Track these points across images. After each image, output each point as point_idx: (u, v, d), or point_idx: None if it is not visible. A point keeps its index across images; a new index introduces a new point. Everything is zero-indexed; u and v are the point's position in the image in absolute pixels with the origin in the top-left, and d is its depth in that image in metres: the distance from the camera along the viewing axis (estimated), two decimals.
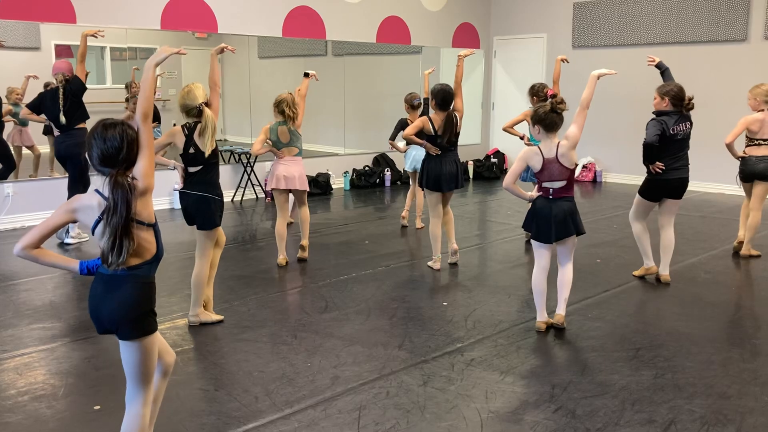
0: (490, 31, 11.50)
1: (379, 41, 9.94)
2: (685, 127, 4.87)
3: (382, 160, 10.17)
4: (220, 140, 9.78)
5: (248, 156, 8.56)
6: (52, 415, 3.05)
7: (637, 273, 5.21)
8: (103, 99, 8.53)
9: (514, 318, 4.31)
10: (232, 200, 8.56)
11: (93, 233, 2.27)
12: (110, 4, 7.33)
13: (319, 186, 9.13)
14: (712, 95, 9.29)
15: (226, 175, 8.66)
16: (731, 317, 4.43)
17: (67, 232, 6.24)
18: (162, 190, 7.99)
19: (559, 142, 4.01)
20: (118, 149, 2.21)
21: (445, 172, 5.18)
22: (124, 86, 8.46)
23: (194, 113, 3.86)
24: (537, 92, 6.09)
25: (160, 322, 4.22)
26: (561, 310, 4.10)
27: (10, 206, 6.90)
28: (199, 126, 3.88)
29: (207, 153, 3.88)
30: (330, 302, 4.59)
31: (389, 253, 5.92)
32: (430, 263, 5.44)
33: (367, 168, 9.98)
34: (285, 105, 5.45)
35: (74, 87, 6.00)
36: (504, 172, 11.21)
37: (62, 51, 8.16)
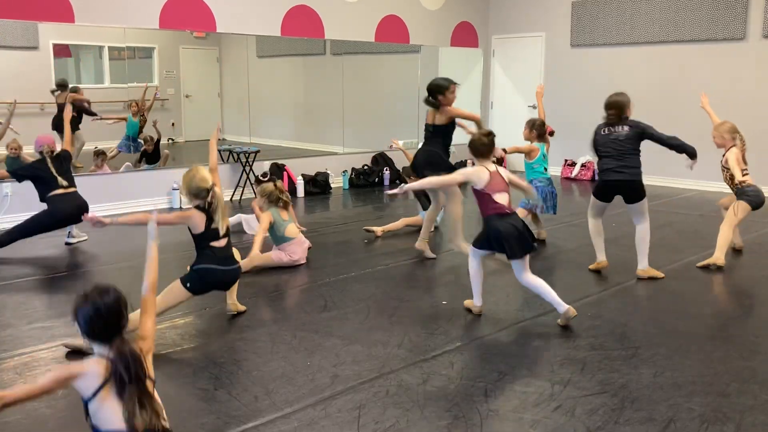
0: (489, 30, 11.50)
1: (378, 40, 9.93)
2: (621, 130, 5.12)
3: (381, 159, 10.17)
4: (219, 140, 9.80)
5: (247, 155, 8.55)
6: (52, 414, 3.05)
7: (592, 267, 5.28)
8: (101, 98, 8.52)
9: (513, 317, 4.31)
10: (231, 199, 8.56)
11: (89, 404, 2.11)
12: (108, 3, 7.31)
13: (318, 185, 9.13)
14: (709, 94, 9.25)
15: (225, 174, 8.66)
16: (730, 315, 4.43)
17: (70, 233, 6.19)
18: (160, 190, 7.98)
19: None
20: (119, 316, 2.12)
21: None
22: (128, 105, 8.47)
23: (204, 195, 3.90)
24: (537, 128, 6.04)
25: (160, 322, 4.22)
26: (563, 306, 4.07)
27: (8, 206, 6.89)
28: (212, 207, 3.93)
29: (222, 231, 3.94)
30: (329, 301, 4.59)
31: (388, 253, 5.92)
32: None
33: (366, 167, 9.98)
34: (278, 192, 5.55)
35: (63, 155, 5.95)
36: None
37: (60, 50, 8.16)
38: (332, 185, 9.34)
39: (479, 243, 4.18)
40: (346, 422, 2.97)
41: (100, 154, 7.92)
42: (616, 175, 4.96)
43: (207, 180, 3.91)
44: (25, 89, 7.68)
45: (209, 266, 3.88)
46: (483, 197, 4.08)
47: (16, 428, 2.93)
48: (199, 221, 3.91)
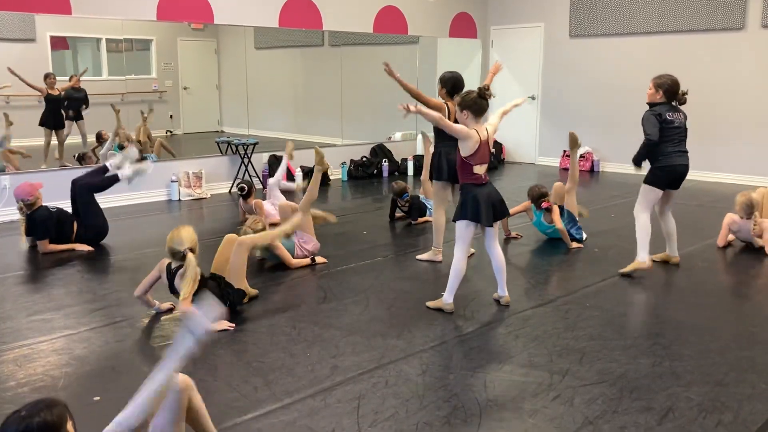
0: (487, 20, 11.46)
1: (376, 31, 9.90)
2: (680, 116, 4.86)
3: (380, 151, 10.16)
4: (218, 132, 9.77)
5: (245, 147, 8.54)
6: None
7: (626, 270, 4.94)
8: (99, 91, 8.50)
9: (512, 307, 4.32)
10: (229, 191, 8.55)
11: None
12: None
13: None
14: (709, 84, 9.29)
15: (224, 166, 8.65)
16: (728, 305, 4.44)
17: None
18: (158, 182, 7.97)
19: (486, 127, 4.17)
20: None
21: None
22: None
23: (179, 257, 3.85)
24: (534, 198, 5.89)
25: (162, 313, 4.23)
26: (505, 291, 4.32)
27: (6, 199, 6.88)
28: (180, 271, 3.89)
29: (181, 297, 3.71)
30: (328, 293, 4.60)
31: (387, 244, 5.92)
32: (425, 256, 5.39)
33: (364, 159, 9.97)
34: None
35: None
36: (501, 161, 11.21)
37: (57, 42, 8.13)
38: (331, 177, 9.33)
39: (458, 214, 4.19)
40: (345, 412, 2.98)
41: (82, 158, 7.90)
42: (683, 160, 4.87)
43: (182, 242, 3.85)
44: (19, 83, 7.65)
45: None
46: (464, 166, 4.12)
47: None
48: (164, 277, 4.00)
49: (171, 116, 9.43)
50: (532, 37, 10.98)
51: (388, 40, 10.39)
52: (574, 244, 5.73)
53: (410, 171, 10.07)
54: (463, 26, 11.11)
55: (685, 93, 4.88)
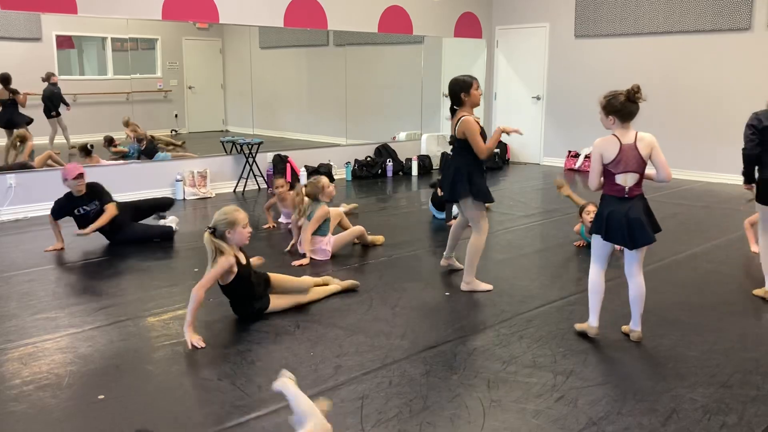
0: (492, 20, 11.45)
1: (381, 31, 9.91)
2: None
3: (384, 151, 10.16)
4: (223, 131, 9.79)
5: (250, 147, 8.56)
6: (57, 404, 3.07)
7: (759, 293, 4.55)
8: (104, 90, 8.53)
9: (516, 308, 4.31)
10: (234, 191, 8.56)
11: None
12: None
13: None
14: (714, 84, 9.26)
15: (228, 166, 8.67)
16: (733, 307, 4.42)
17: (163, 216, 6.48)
18: (164, 181, 7.99)
19: (636, 133, 3.71)
20: None
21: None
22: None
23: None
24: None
25: (162, 313, 4.23)
26: (638, 326, 3.80)
27: (12, 197, 6.91)
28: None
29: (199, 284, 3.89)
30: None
31: (391, 244, 5.92)
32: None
33: (368, 158, 9.97)
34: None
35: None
36: (506, 162, 11.20)
37: (63, 41, 8.15)
38: (335, 176, 9.34)
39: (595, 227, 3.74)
40: (349, 412, 2.98)
41: (84, 149, 7.89)
42: None
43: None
44: (28, 81, 7.69)
45: None
46: (607, 174, 3.66)
47: (22, 417, 2.95)
48: None
49: (176, 115, 9.45)
50: (538, 37, 10.97)
51: (392, 40, 10.40)
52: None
53: (414, 171, 10.06)
54: (468, 26, 11.10)
55: None
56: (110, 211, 5.77)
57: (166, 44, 9.02)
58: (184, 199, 8.00)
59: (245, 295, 4.06)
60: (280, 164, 8.87)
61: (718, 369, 3.41)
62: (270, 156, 8.90)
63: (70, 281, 4.91)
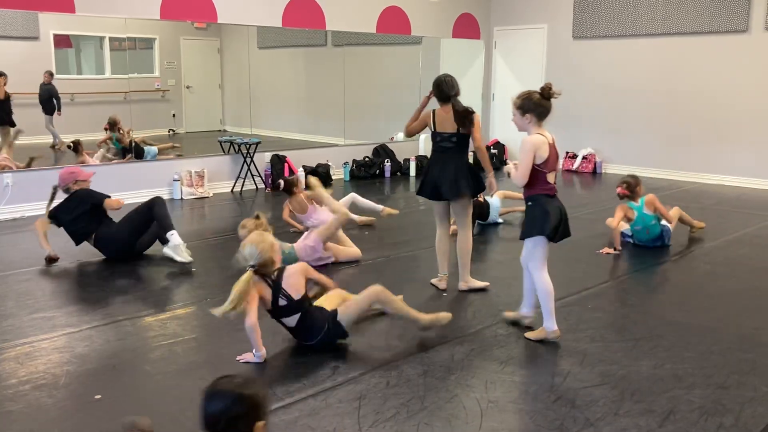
0: (491, 21, 11.46)
1: (379, 31, 9.91)
2: None
3: (382, 151, 10.16)
4: (220, 131, 9.77)
5: (248, 147, 8.55)
6: (54, 404, 3.06)
7: None
8: (101, 89, 8.51)
9: (513, 308, 4.31)
10: (231, 191, 8.56)
11: None
12: None
13: (319, 177, 9.08)
14: (711, 86, 9.28)
15: (226, 165, 8.66)
16: (730, 308, 4.43)
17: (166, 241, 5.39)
18: (161, 181, 7.98)
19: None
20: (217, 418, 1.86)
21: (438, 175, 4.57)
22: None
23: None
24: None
25: (159, 313, 4.23)
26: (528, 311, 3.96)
27: (9, 196, 6.89)
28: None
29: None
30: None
31: (389, 244, 5.92)
32: (434, 281, 4.80)
33: (367, 159, 9.97)
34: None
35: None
36: (504, 162, 11.20)
37: (61, 40, 8.14)
38: (333, 177, 9.34)
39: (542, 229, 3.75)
40: (346, 412, 2.97)
41: (75, 146, 7.82)
42: None
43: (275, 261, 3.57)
44: (26, 80, 7.67)
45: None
46: (538, 174, 3.68)
47: (18, 417, 2.94)
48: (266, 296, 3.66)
49: (174, 115, 9.44)
50: (536, 38, 10.97)
51: (391, 41, 10.40)
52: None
53: (412, 171, 10.06)
54: (466, 27, 11.10)
55: None
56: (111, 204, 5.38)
57: (164, 44, 9.01)
58: (182, 198, 8.00)
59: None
60: (278, 164, 8.87)
61: (715, 370, 3.42)
62: (268, 156, 8.89)
63: (68, 281, 4.90)
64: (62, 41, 8.18)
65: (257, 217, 4.28)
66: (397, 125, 10.88)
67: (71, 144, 7.88)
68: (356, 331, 3.89)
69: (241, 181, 8.61)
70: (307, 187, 5.54)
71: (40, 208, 6.96)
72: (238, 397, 1.88)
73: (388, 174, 9.87)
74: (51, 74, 7.84)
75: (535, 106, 3.69)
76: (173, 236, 5.29)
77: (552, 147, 3.71)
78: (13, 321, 4.06)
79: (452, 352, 3.63)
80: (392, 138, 10.61)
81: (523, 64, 11.18)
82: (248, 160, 8.57)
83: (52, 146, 8.03)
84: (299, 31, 9.26)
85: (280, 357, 3.55)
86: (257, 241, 3.54)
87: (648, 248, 5.75)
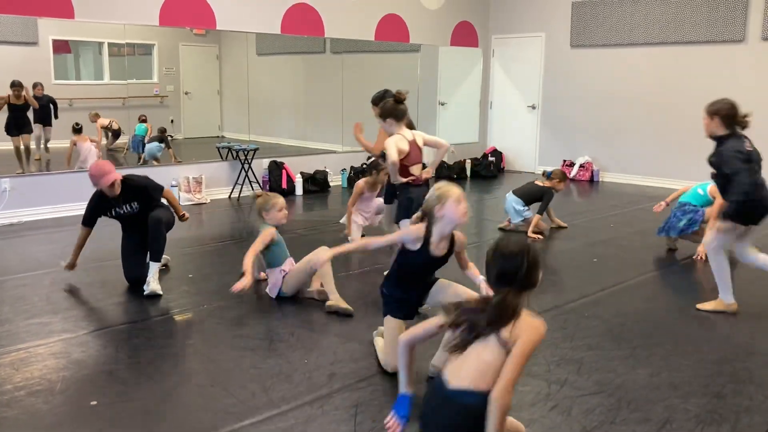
0: (489, 29, 11.50)
1: (378, 39, 9.93)
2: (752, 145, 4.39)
3: (380, 158, 10.17)
4: (218, 137, 9.78)
5: (246, 153, 8.55)
6: (49, 410, 3.05)
7: (707, 307, 4.46)
8: (100, 95, 8.51)
9: None
10: (229, 197, 8.56)
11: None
12: None
13: (317, 183, 9.14)
14: (709, 96, 9.26)
15: (224, 172, 8.66)
16: (728, 316, 4.44)
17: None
18: None
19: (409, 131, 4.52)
20: (517, 268, 2.25)
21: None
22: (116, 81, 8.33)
23: None
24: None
25: (157, 319, 4.22)
26: None
27: (6, 201, 6.88)
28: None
29: None
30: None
31: (386, 251, 5.91)
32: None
33: (364, 165, 9.97)
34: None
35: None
36: (501, 170, 11.22)
37: (59, 46, 8.15)
38: (331, 183, 9.35)
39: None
40: (342, 420, 2.97)
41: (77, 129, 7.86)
42: None
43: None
44: (24, 85, 7.67)
45: None
46: (403, 167, 4.28)
47: (13, 423, 2.94)
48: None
49: (172, 121, 9.44)
50: (533, 46, 11.01)
51: (389, 48, 10.42)
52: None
53: None
54: (464, 35, 11.14)
55: (746, 115, 4.57)
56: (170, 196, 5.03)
57: (162, 50, 9.02)
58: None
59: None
60: (276, 171, 8.87)
61: (712, 379, 3.42)
62: (266, 162, 8.90)
63: (64, 286, 4.89)
64: (61, 47, 8.19)
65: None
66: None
67: (77, 123, 7.90)
68: (353, 338, 3.89)
69: (239, 187, 8.61)
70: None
71: (37, 213, 6.98)
72: (528, 250, 2.29)
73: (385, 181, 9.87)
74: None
75: (390, 111, 4.37)
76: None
77: (412, 143, 4.37)
78: (9, 326, 4.05)
79: None
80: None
81: (521, 72, 11.21)
82: (246, 166, 8.58)
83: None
84: (298, 38, 9.29)
85: (275, 363, 3.54)
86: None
87: (645, 256, 5.76)
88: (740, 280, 5.28)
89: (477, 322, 2.21)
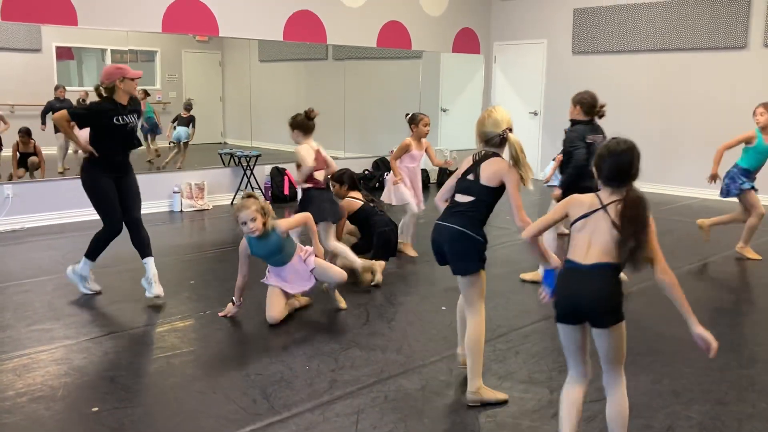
0: (491, 36, 11.52)
1: (380, 46, 9.96)
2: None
3: (382, 164, 10.18)
4: (221, 143, 9.80)
5: (248, 159, 8.57)
6: (51, 416, 3.06)
7: (528, 277, 5.18)
8: None
9: (512, 323, 4.31)
10: (231, 203, 8.57)
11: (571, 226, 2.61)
12: (111, 6, 7.33)
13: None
14: (710, 102, 9.31)
15: (226, 178, 8.68)
16: (730, 323, 4.43)
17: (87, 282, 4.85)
18: (161, 193, 7.98)
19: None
20: (629, 165, 2.57)
21: None
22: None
23: (496, 141, 3.41)
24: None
25: (157, 326, 4.23)
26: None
27: (9, 208, 6.90)
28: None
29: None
30: (327, 306, 4.59)
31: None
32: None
33: (366, 172, 9.99)
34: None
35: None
36: None
37: (63, 52, 8.19)
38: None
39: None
40: (344, 427, 2.97)
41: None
42: None
43: (499, 124, 3.44)
44: (28, 91, 7.71)
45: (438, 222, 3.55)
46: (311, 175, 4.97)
47: (15, 429, 2.94)
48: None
49: (174, 127, 9.47)
50: (535, 53, 11.03)
51: (391, 55, 10.45)
52: None
53: None
54: (466, 42, 11.16)
55: (603, 105, 5.29)
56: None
57: (165, 56, 9.06)
58: (182, 211, 8.00)
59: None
60: (278, 177, 8.88)
61: (714, 386, 3.41)
62: (268, 168, 8.91)
63: (66, 292, 4.89)
64: (64, 53, 8.23)
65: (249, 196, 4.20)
66: (397, 138, 10.92)
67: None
68: (353, 345, 3.89)
69: (241, 193, 8.62)
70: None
71: (40, 219, 7.00)
72: (635, 147, 2.65)
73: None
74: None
75: (299, 124, 5.14)
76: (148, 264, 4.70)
77: (317, 152, 5.06)
78: (11, 332, 4.06)
79: (450, 367, 3.62)
80: (392, 151, 10.66)
81: (523, 78, 11.23)
82: (248, 172, 8.59)
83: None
84: (300, 44, 9.31)
85: (276, 370, 3.54)
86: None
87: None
88: (745, 287, 5.27)
89: (623, 214, 2.55)
